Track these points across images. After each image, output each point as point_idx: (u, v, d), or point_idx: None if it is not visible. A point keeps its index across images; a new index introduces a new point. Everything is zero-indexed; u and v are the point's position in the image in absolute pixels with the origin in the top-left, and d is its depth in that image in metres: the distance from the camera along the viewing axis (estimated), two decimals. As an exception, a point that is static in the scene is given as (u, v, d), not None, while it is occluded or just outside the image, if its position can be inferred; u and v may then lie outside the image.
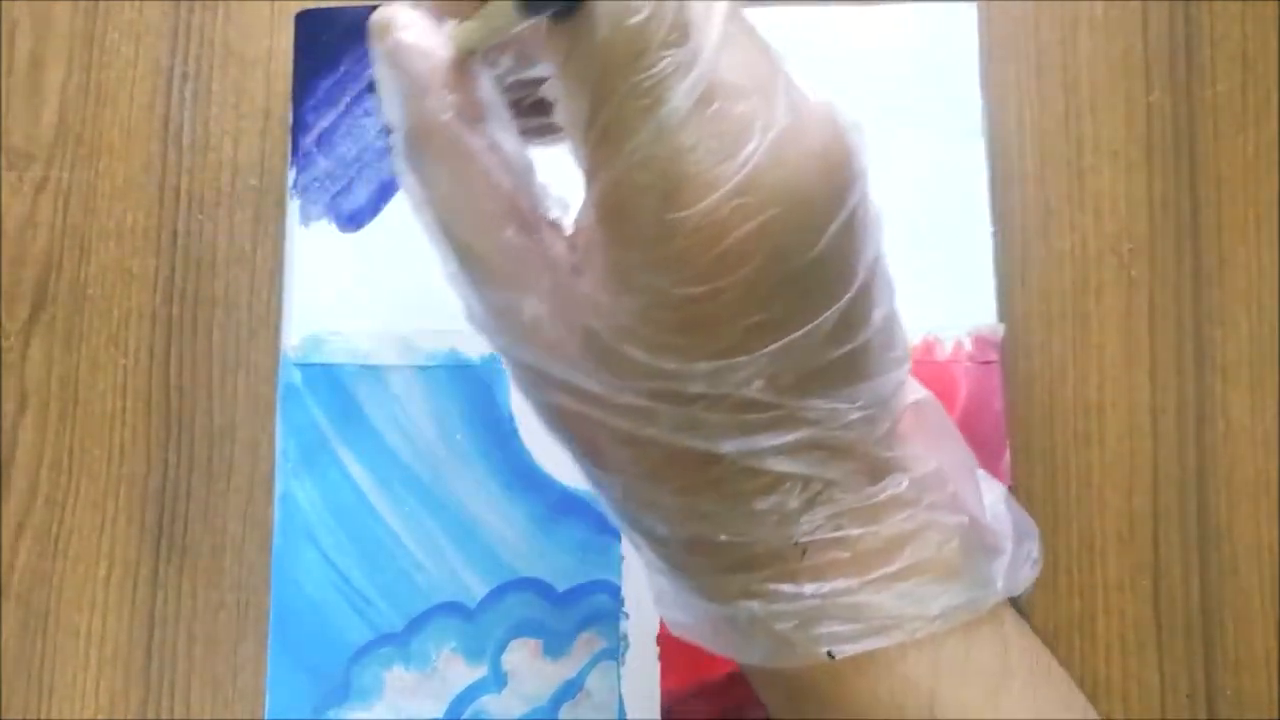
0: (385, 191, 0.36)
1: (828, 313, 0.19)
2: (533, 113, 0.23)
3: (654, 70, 0.18)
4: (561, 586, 0.33)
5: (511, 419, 0.34)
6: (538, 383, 0.22)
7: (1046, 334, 0.35)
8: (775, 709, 0.24)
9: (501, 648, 0.33)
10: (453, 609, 0.33)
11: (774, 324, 0.19)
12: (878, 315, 0.21)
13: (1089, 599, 0.34)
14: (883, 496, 0.21)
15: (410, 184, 0.21)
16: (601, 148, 0.19)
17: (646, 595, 0.33)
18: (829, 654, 0.21)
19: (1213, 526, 0.34)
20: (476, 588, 0.33)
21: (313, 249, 0.35)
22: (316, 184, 0.36)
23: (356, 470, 0.34)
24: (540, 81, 0.22)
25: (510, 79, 0.22)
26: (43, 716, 0.34)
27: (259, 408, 0.36)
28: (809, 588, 0.21)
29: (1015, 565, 0.23)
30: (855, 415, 0.21)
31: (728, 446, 0.20)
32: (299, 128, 0.36)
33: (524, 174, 0.21)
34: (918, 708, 0.21)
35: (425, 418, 0.34)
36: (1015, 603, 0.23)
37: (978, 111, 0.35)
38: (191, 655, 0.35)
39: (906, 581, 0.21)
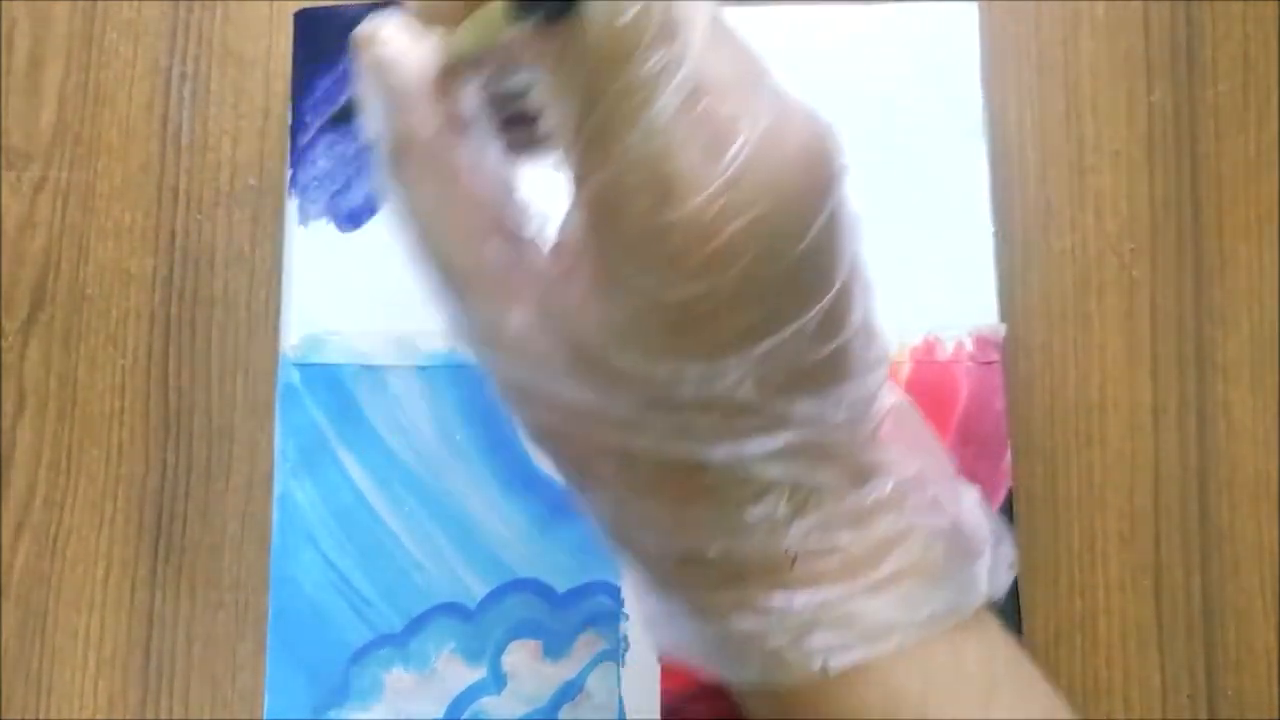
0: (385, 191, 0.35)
1: (814, 310, 0.20)
2: (510, 127, 0.23)
3: (643, 70, 0.18)
4: (561, 587, 0.33)
5: (511, 419, 0.34)
6: (525, 400, 0.22)
7: (1047, 334, 0.35)
8: None
9: (501, 649, 0.33)
10: (452, 610, 0.33)
11: (764, 323, 0.19)
12: (858, 315, 0.21)
13: (1089, 599, 0.34)
14: (869, 501, 0.21)
15: (393, 198, 0.21)
16: (592, 150, 0.19)
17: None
18: (823, 667, 0.21)
19: (1213, 526, 0.34)
20: (476, 588, 0.33)
21: (311, 249, 0.35)
22: (315, 183, 0.36)
23: (356, 470, 0.34)
24: (518, 96, 0.22)
25: (489, 92, 0.22)
26: (42, 716, 0.34)
27: (258, 408, 0.36)
28: (800, 598, 0.21)
29: (995, 568, 0.23)
30: (841, 417, 0.21)
31: (718, 453, 0.20)
32: (298, 127, 0.36)
33: (506, 188, 0.21)
34: (910, 717, 0.21)
35: (425, 418, 0.34)
36: (994, 607, 0.23)
37: (978, 111, 0.35)
38: (190, 655, 0.35)
39: (896, 587, 0.21)
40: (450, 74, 0.21)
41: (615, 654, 0.33)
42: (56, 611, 0.35)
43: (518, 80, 0.22)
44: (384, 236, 0.35)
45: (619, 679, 0.33)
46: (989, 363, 0.33)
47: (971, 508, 0.24)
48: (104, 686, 0.35)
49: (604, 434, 0.21)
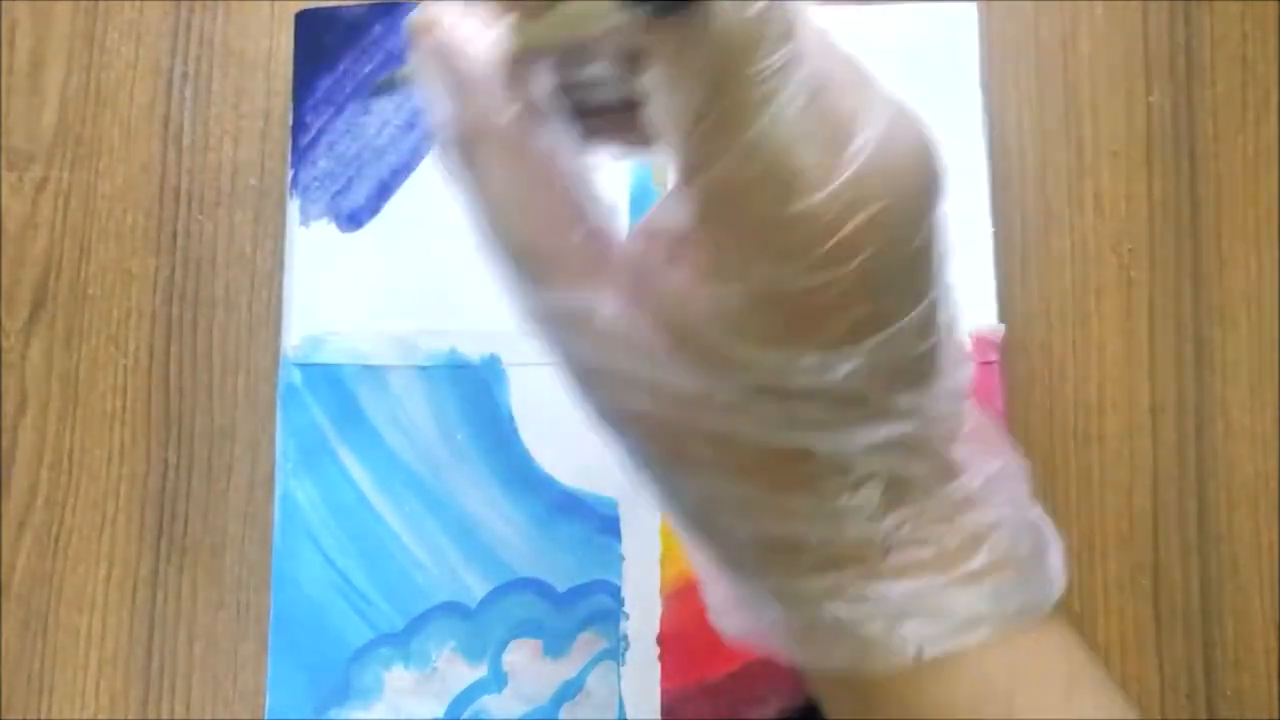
0: (385, 191, 0.36)
1: (921, 305, 0.20)
2: (578, 116, 0.23)
3: (770, 61, 0.18)
4: (561, 586, 0.33)
5: (511, 419, 0.34)
6: (609, 385, 0.21)
7: (1046, 334, 0.35)
8: (843, 715, 0.24)
9: (501, 648, 0.33)
10: (453, 609, 0.33)
11: (879, 316, 0.19)
12: (947, 315, 0.21)
13: (1089, 599, 0.34)
14: (960, 495, 0.21)
15: (462, 186, 0.21)
16: (713, 139, 0.18)
17: (647, 595, 0.33)
18: (916, 654, 0.21)
19: (1213, 526, 0.34)
20: (476, 588, 0.33)
21: (312, 249, 0.35)
22: (316, 184, 0.36)
23: (356, 470, 0.34)
24: (586, 85, 0.22)
25: (559, 81, 0.22)
26: (43, 716, 0.34)
27: (259, 408, 0.36)
28: (895, 587, 0.21)
29: (1059, 568, 0.23)
30: (940, 410, 0.21)
31: (822, 443, 0.20)
32: (299, 128, 0.36)
33: (585, 176, 0.21)
34: (996, 710, 0.21)
35: (425, 418, 0.34)
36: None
37: (978, 111, 0.35)
38: (191, 655, 0.35)
39: (987, 579, 0.21)
40: (524, 61, 0.20)
41: (615, 653, 0.33)
42: (58, 611, 0.35)
43: (591, 71, 0.22)
44: (384, 237, 0.35)
45: (619, 678, 0.33)
46: (988, 363, 0.33)
47: (1035, 509, 0.24)
48: (105, 686, 0.35)
49: (705, 418, 0.20)
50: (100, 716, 0.34)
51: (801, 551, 0.21)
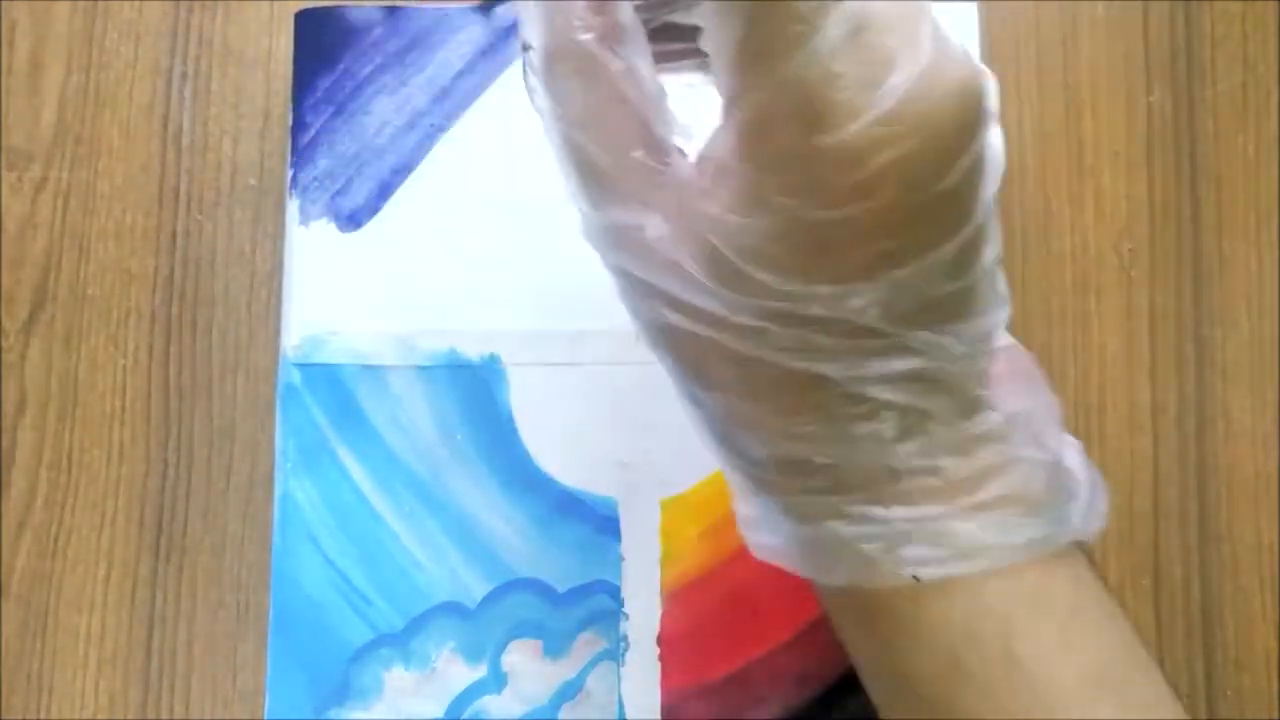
0: (385, 190, 0.36)
1: (947, 245, 0.20)
2: (659, 37, 0.23)
3: None
4: (561, 587, 0.33)
5: (511, 419, 0.34)
6: (650, 300, 0.22)
7: (1046, 334, 0.35)
8: (847, 632, 0.25)
9: (501, 648, 0.33)
10: (453, 609, 0.33)
11: (898, 253, 0.20)
12: (989, 254, 0.21)
13: (1089, 599, 0.34)
14: (976, 430, 0.22)
15: (543, 102, 0.22)
16: (751, 70, 0.19)
17: (647, 596, 0.33)
18: (914, 576, 0.21)
19: (1213, 526, 0.34)
20: (476, 588, 0.33)
21: (312, 249, 0.35)
22: (316, 184, 0.36)
23: (356, 470, 0.34)
24: (669, 5, 0.22)
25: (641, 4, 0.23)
26: (42, 716, 0.34)
27: (259, 408, 0.36)
28: (898, 512, 0.21)
29: (1090, 510, 0.23)
30: (959, 350, 0.21)
31: (836, 371, 0.21)
32: (298, 127, 0.36)
33: (656, 98, 0.22)
34: (994, 635, 0.22)
35: (425, 418, 0.34)
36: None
37: (978, 111, 0.35)
38: (191, 655, 0.35)
39: (993, 512, 0.22)
40: None
41: (615, 654, 0.33)
42: (57, 611, 0.35)
43: None
44: (384, 237, 0.35)
45: (619, 679, 0.33)
46: (988, 363, 0.33)
47: (1073, 455, 0.24)
48: (105, 686, 0.35)
49: (727, 339, 0.21)
50: (100, 716, 0.34)
51: (813, 472, 0.22)
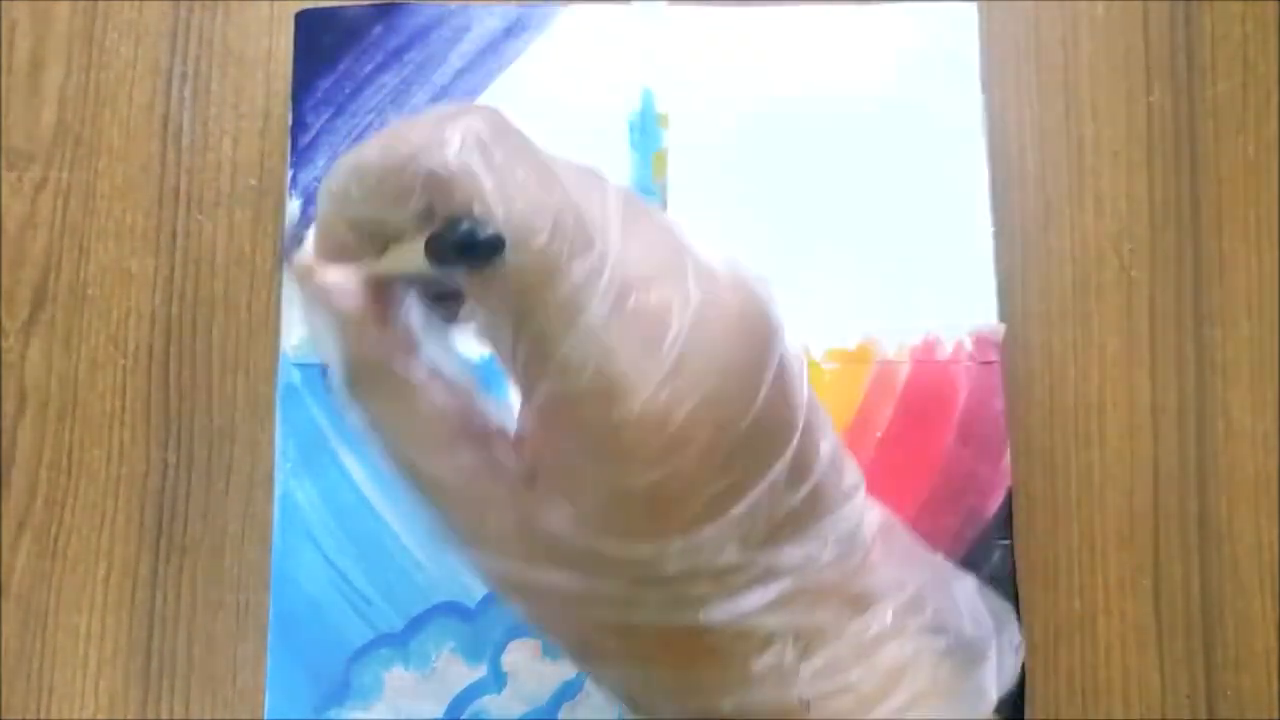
0: (385, 191, 0.36)
1: (780, 461, 0.20)
2: (441, 301, 0.23)
3: (569, 283, 0.18)
4: (561, 587, 0.33)
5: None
6: (517, 591, 0.22)
7: (1047, 334, 0.35)
8: None
9: (501, 648, 0.33)
10: (452, 609, 0.33)
11: (733, 488, 0.20)
12: (825, 449, 0.21)
13: (1089, 599, 0.34)
14: (872, 632, 0.22)
15: (356, 416, 0.22)
16: (532, 364, 0.19)
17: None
18: None
19: (1213, 526, 0.34)
20: (476, 588, 0.33)
21: (312, 249, 0.35)
22: (316, 184, 0.36)
23: (356, 470, 0.34)
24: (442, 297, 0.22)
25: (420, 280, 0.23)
26: (42, 716, 0.34)
27: (258, 408, 0.36)
28: None
29: (1002, 663, 0.23)
30: (829, 555, 0.21)
31: (716, 615, 0.20)
32: (299, 128, 0.36)
33: (468, 391, 0.22)
34: None
35: (425, 418, 0.34)
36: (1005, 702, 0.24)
37: (978, 111, 0.35)
38: (191, 655, 0.35)
39: (911, 713, 0.21)
40: (388, 291, 0.21)
41: (615, 653, 0.33)
42: (57, 611, 0.35)
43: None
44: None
45: (619, 678, 0.33)
46: (988, 362, 0.33)
47: (970, 600, 0.24)
48: (105, 686, 0.35)
49: (600, 613, 0.21)
50: (99, 716, 0.34)
51: None
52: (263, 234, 0.37)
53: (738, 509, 0.20)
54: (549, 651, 0.33)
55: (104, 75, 0.38)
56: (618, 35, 0.36)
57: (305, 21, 0.36)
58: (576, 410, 0.19)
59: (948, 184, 0.34)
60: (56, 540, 0.35)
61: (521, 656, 0.33)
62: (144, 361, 0.36)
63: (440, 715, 0.33)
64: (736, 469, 0.19)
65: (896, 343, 0.34)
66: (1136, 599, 0.34)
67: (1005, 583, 0.32)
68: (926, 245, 0.34)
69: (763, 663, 0.21)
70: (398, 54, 0.36)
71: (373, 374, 0.21)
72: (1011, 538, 0.32)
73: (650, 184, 0.35)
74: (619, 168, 0.35)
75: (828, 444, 0.21)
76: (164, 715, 0.34)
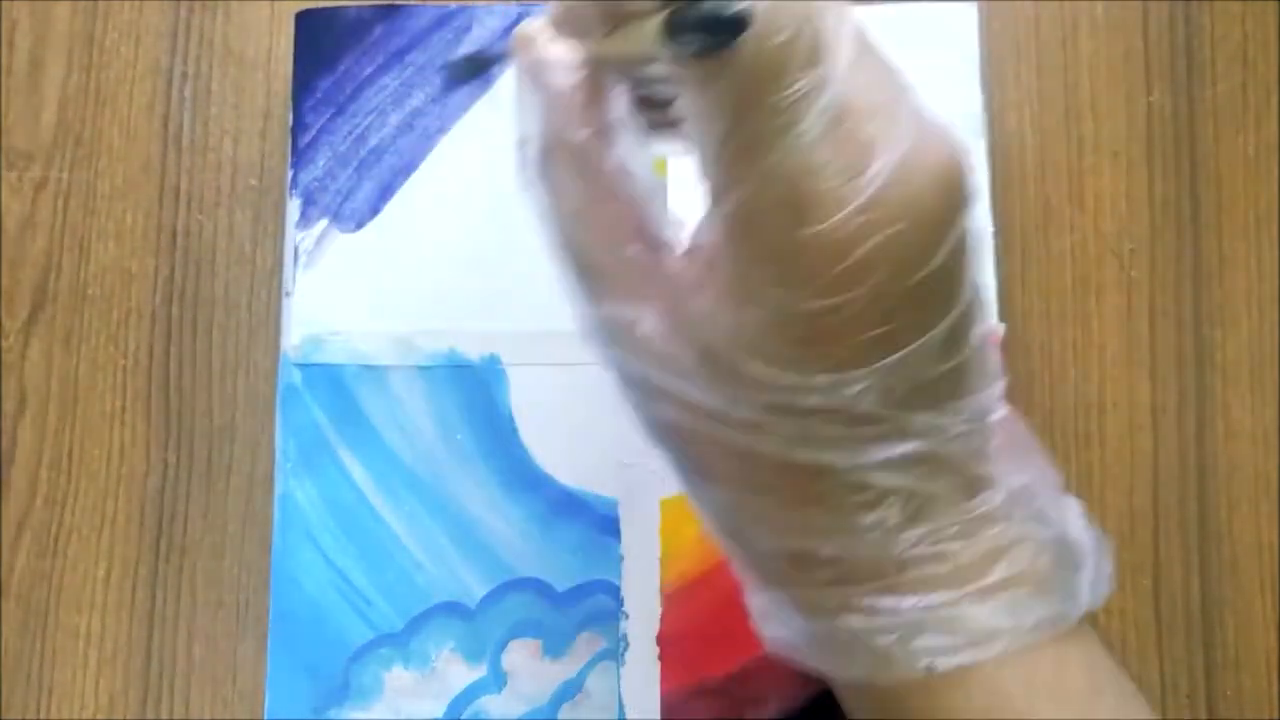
0: (385, 192, 0.36)
1: (939, 327, 0.20)
2: (649, 108, 0.23)
3: (791, 91, 0.18)
4: (561, 586, 0.33)
5: (511, 419, 0.34)
6: (648, 397, 0.22)
7: (1046, 334, 0.35)
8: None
9: (501, 648, 0.33)
10: (452, 609, 0.33)
11: (890, 338, 0.20)
12: (978, 332, 0.21)
13: (1089, 599, 0.34)
14: (979, 511, 0.22)
15: (537, 196, 0.22)
16: (735, 165, 0.19)
17: (647, 595, 0.33)
18: (928, 667, 0.21)
19: (1213, 526, 0.34)
20: (476, 588, 0.33)
21: (312, 249, 0.35)
22: (316, 184, 0.36)
23: (356, 470, 0.34)
24: (660, 79, 0.22)
25: (631, 75, 0.23)
26: (42, 716, 0.34)
27: (259, 408, 0.36)
28: (908, 601, 0.21)
29: (1096, 579, 0.23)
30: (958, 429, 0.21)
31: (838, 460, 0.21)
32: (299, 128, 0.36)
33: (649, 194, 0.22)
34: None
35: (425, 418, 0.34)
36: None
37: (978, 111, 0.35)
38: (191, 655, 0.35)
39: (1002, 594, 0.21)
40: (601, 77, 0.21)
41: (615, 653, 0.33)
42: (57, 611, 0.35)
43: (660, 68, 0.22)
44: (384, 237, 0.35)
45: (619, 678, 0.33)
46: (988, 363, 0.33)
47: (1075, 520, 0.24)
48: (104, 686, 0.35)
49: (727, 435, 0.21)
50: (99, 716, 0.34)
51: (820, 565, 0.22)
52: (263, 234, 0.37)
53: (888, 361, 0.20)
54: (549, 651, 0.33)
55: (104, 75, 0.38)
56: (618, 35, 0.36)
57: (305, 22, 0.36)
58: (765, 221, 0.19)
59: (948, 184, 0.34)
60: (56, 540, 0.35)
61: (521, 656, 0.33)
62: (144, 361, 0.36)
63: (440, 715, 0.33)
64: (897, 320, 0.20)
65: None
66: (1136, 599, 0.34)
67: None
68: (926, 245, 0.34)
69: (870, 518, 0.21)
70: (398, 55, 0.36)
71: (567, 155, 0.21)
72: (1011, 538, 0.32)
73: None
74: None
75: (981, 329, 0.21)
76: (164, 715, 0.34)
